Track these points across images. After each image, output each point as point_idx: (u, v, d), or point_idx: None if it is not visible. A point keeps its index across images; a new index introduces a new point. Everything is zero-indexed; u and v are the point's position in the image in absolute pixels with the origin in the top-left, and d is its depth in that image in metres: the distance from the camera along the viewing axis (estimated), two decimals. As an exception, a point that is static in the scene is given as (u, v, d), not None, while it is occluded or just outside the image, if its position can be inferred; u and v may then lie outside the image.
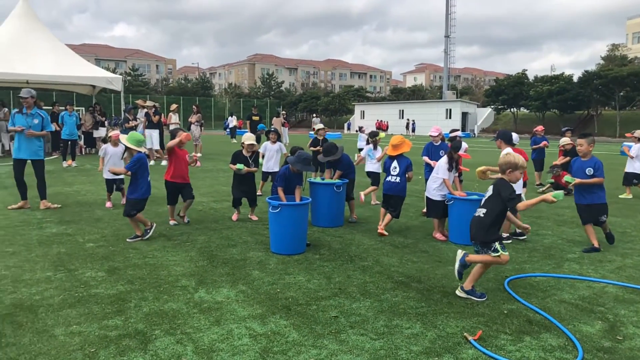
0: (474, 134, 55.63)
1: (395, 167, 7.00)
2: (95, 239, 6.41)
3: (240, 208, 7.78)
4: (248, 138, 7.56)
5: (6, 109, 18.76)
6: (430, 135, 8.44)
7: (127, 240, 6.34)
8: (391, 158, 7.09)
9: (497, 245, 4.35)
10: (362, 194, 7.84)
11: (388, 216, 6.95)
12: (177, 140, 7.12)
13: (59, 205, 8.55)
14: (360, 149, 16.98)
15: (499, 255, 4.34)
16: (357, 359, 3.34)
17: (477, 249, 4.51)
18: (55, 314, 4.02)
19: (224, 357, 3.34)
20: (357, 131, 18.75)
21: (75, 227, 7.04)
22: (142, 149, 6.52)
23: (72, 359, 3.29)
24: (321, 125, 11.20)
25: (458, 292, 4.54)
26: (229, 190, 6.49)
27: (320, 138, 10.85)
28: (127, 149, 7.21)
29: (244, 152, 7.48)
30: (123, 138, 6.70)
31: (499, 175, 4.57)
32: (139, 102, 16.61)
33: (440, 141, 8.38)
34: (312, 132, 36.56)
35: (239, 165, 7.28)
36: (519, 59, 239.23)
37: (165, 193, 7.37)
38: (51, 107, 19.67)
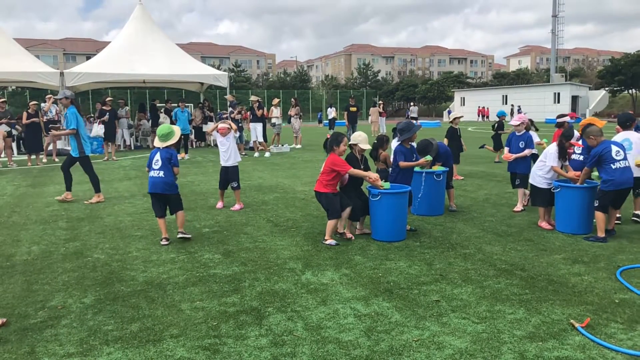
0: (586, 118, 51.88)
1: None
2: (210, 225, 6.97)
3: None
4: (363, 141, 6.24)
5: (127, 107, 20.52)
6: (512, 125, 7.96)
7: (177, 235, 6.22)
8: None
9: None
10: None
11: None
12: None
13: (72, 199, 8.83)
14: None
15: None
16: (459, 341, 3.44)
17: None
18: (181, 291, 4.50)
19: (331, 334, 3.59)
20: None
21: (192, 214, 7.66)
22: (166, 144, 6.10)
23: (198, 330, 3.70)
24: (457, 113, 11.01)
25: None
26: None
27: (456, 127, 10.61)
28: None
29: (356, 153, 6.29)
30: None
31: None
32: (229, 97, 17.42)
33: (524, 131, 7.78)
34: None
35: (387, 185, 5.99)
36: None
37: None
38: (164, 104, 21.20)
